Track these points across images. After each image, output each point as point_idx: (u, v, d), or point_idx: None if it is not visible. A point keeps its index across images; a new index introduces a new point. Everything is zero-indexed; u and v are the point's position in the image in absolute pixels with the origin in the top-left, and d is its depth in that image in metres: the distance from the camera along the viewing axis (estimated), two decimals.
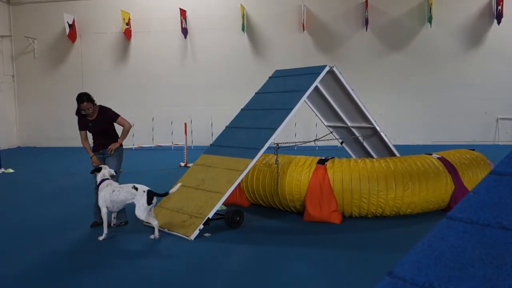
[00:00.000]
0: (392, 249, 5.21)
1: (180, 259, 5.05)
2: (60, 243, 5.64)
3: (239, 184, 6.72)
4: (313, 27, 16.84)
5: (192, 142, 15.97)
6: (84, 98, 6.13)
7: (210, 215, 5.78)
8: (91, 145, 6.48)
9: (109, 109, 6.46)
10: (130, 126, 6.39)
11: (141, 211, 5.54)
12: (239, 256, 5.12)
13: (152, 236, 5.59)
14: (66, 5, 17.91)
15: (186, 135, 12.65)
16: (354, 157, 8.38)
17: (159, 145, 15.35)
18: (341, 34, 16.78)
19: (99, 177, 5.87)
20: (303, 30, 16.71)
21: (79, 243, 5.68)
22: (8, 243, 5.69)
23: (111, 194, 5.68)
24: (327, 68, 6.74)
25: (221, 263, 4.89)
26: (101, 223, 5.82)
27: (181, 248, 5.37)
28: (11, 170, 11.68)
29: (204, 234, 5.75)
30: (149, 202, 5.54)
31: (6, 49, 18.31)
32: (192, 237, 5.61)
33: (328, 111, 8.06)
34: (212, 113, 16.54)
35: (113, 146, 6.24)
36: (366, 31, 16.47)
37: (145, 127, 16.74)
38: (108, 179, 5.86)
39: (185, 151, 12.31)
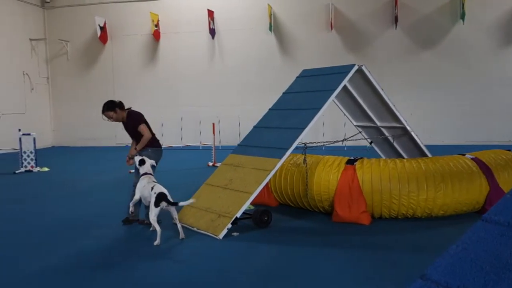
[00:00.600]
0: (423, 252, 5.10)
1: (208, 258, 5.08)
2: (93, 238, 5.75)
3: (267, 184, 6.72)
4: (341, 25, 16.69)
5: (220, 142, 16.06)
6: (104, 107, 6.43)
7: (238, 215, 5.80)
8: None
9: (136, 115, 6.56)
10: (148, 137, 6.33)
11: (150, 212, 5.63)
12: (267, 256, 5.12)
13: (155, 243, 5.42)
14: (98, 8, 18.30)
15: (214, 135, 12.73)
16: (383, 157, 8.26)
17: (187, 145, 15.50)
18: (369, 32, 16.58)
19: (142, 170, 6.06)
20: (331, 29, 16.58)
21: (110, 240, 5.78)
22: (45, 238, 5.85)
23: (142, 188, 5.86)
24: (355, 67, 6.67)
25: (249, 263, 4.89)
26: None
27: (209, 247, 5.40)
28: (46, 169, 12.02)
29: (232, 234, 5.77)
30: (156, 204, 5.51)
31: (41, 52, 18.84)
32: (221, 236, 5.64)
33: (357, 111, 7.96)
34: (240, 113, 16.60)
35: (130, 153, 6.45)
36: (396, 29, 16.22)
37: (174, 127, 16.94)
38: (150, 174, 6.02)
39: (213, 151, 12.39)
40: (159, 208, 5.53)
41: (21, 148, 11.83)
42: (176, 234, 5.79)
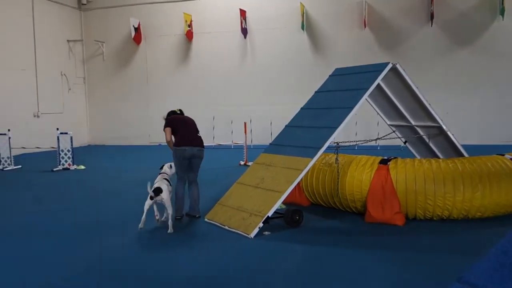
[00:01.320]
0: (459, 254, 4.97)
1: (240, 256, 5.10)
2: (126, 234, 5.87)
3: (298, 183, 6.69)
4: (375, 23, 16.44)
5: (251, 141, 16.09)
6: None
7: (270, 214, 5.79)
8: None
9: (167, 119, 7.05)
10: (166, 140, 6.82)
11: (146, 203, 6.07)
12: (298, 256, 5.09)
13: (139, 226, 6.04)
14: (132, 10, 18.65)
15: (245, 134, 12.76)
16: (418, 157, 8.09)
17: (219, 144, 15.61)
18: (404, 30, 16.26)
19: (162, 171, 6.73)
20: (364, 27, 16.35)
21: (144, 236, 5.88)
22: (83, 233, 6.01)
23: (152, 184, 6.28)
24: (390, 65, 6.55)
25: (280, 262, 4.88)
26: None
27: (241, 245, 5.42)
28: (82, 167, 12.33)
29: (264, 233, 5.77)
30: (151, 196, 6.00)
31: (77, 53, 19.35)
32: (252, 235, 5.65)
33: (391, 110, 7.82)
34: (271, 112, 16.58)
35: None
36: (431, 26, 15.85)
37: (206, 126, 17.08)
38: (164, 173, 6.65)
39: (244, 150, 12.43)
40: (152, 201, 6.02)
41: (59, 147, 12.18)
42: (209, 232, 5.83)
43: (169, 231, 5.95)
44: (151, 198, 5.99)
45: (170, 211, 6.05)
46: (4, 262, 5.03)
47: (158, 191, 6.06)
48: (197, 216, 6.65)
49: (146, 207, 6.03)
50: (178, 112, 7.12)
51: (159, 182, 6.26)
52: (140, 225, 6.05)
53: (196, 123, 6.99)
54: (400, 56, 15.23)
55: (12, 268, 4.86)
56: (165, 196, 6.06)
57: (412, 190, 6.04)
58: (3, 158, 12.35)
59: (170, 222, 6.01)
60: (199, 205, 6.71)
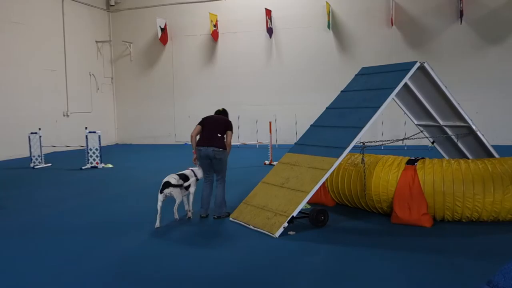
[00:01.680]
0: (489, 257, 4.86)
1: (264, 256, 5.10)
2: (152, 231, 5.95)
3: (324, 183, 6.65)
4: (402, 21, 16.21)
5: (276, 140, 16.08)
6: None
7: (295, 214, 5.78)
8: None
9: None
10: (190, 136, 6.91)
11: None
12: (323, 256, 5.07)
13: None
14: (159, 10, 18.87)
15: (270, 134, 12.76)
16: (446, 157, 7.94)
17: (244, 143, 15.65)
18: (433, 28, 15.97)
19: None
20: (392, 25, 16.14)
21: (169, 233, 5.95)
22: (109, 229, 6.12)
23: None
24: (417, 64, 6.45)
25: (305, 262, 4.87)
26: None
27: (265, 245, 5.43)
28: (110, 165, 12.56)
29: (289, 232, 5.77)
30: (160, 190, 6.30)
31: (106, 53, 19.71)
32: (277, 234, 5.65)
33: (419, 109, 7.70)
34: (297, 112, 16.54)
35: None
36: (461, 24, 15.52)
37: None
38: (191, 168, 6.89)
39: (269, 150, 12.43)
40: (162, 194, 6.31)
41: (87, 145, 12.44)
42: (233, 231, 5.85)
43: (175, 217, 6.50)
44: (160, 192, 6.30)
45: (178, 201, 6.42)
46: (32, 258, 5.17)
47: (166, 185, 6.31)
48: (214, 216, 6.67)
49: (159, 203, 6.29)
50: (221, 111, 7.18)
51: (168, 176, 6.47)
52: (156, 224, 6.22)
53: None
54: (428, 55, 14.98)
55: (41, 263, 4.98)
56: (173, 188, 6.35)
57: (440, 191, 5.93)
58: (34, 156, 12.67)
59: (175, 208, 6.46)
60: (223, 206, 6.71)
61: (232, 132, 6.90)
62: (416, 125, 8.13)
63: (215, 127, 6.78)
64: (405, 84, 6.77)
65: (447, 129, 7.56)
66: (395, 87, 6.36)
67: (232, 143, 6.90)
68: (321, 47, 17.13)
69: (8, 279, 4.53)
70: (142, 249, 5.41)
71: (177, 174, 6.54)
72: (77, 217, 7.06)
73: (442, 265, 4.66)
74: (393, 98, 6.77)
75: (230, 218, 6.55)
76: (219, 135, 6.71)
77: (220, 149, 6.63)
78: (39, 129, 12.94)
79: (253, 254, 5.18)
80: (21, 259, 5.14)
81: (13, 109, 14.97)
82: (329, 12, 16.59)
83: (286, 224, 5.71)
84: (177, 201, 6.42)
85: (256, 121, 16.87)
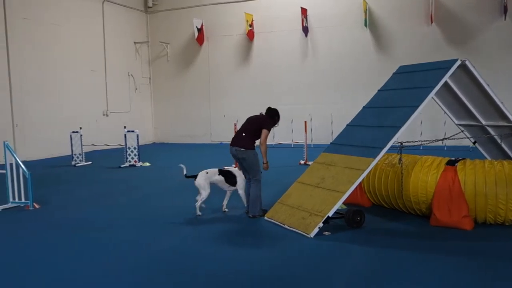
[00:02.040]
0: None
1: (299, 255, 5.08)
2: (185, 230, 6.04)
3: (360, 184, 6.56)
4: (442, 18, 15.79)
5: (311, 140, 15.98)
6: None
7: (330, 214, 5.73)
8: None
9: None
10: None
11: None
12: (358, 257, 5.00)
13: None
14: (195, 11, 19.10)
15: (306, 133, 12.70)
16: (489, 158, 7.68)
17: (279, 143, 15.64)
18: (474, 24, 15.47)
19: None
20: (431, 22, 15.75)
21: (204, 231, 6.00)
22: (146, 227, 6.25)
23: None
24: (458, 62, 6.27)
25: (339, 263, 4.82)
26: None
27: (300, 245, 5.40)
28: (147, 164, 12.81)
29: (324, 233, 5.72)
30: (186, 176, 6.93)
31: (144, 54, 20.11)
32: (312, 234, 5.62)
33: (459, 108, 7.48)
34: (332, 111, 16.40)
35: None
36: (505, 19, 14.97)
37: None
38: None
39: (304, 149, 12.37)
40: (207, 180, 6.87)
41: (126, 144, 12.73)
42: (268, 231, 5.86)
43: (197, 213, 6.81)
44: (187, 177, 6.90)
45: (203, 195, 6.78)
46: (74, 252, 5.33)
47: (195, 176, 6.85)
48: (250, 216, 6.70)
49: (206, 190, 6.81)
50: (267, 109, 7.19)
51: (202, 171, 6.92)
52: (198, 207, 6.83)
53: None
54: (470, 52, 14.54)
55: (82, 257, 5.13)
56: (200, 181, 6.80)
57: (482, 193, 5.75)
58: (75, 154, 13.06)
59: (197, 204, 6.81)
60: (256, 205, 6.70)
61: (266, 130, 6.74)
62: (456, 124, 7.91)
63: (244, 126, 6.88)
64: (445, 83, 6.59)
65: (489, 129, 7.31)
66: (435, 86, 6.20)
67: (267, 143, 6.83)
68: (357, 45, 16.90)
69: (53, 272, 4.69)
70: (179, 247, 5.49)
71: (221, 169, 6.92)
72: (118, 213, 7.24)
73: (483, 269, 4.52)
74: (432, 97, 6.60)
75: (265, 218, 6.56)
76: (243, 134, 6.77)
77: (242, 149, 6.68)
78: (80, 128, 13.34)
79: (287, 253, 5.16)
80: (64, 252, 5.31)
81: (56, 109, 15.51)
82: (366, 9, 16.35)
83: (321, 224, 5.67)
84: (203, 196, 6.75)
85: (291, 121, 16.81)
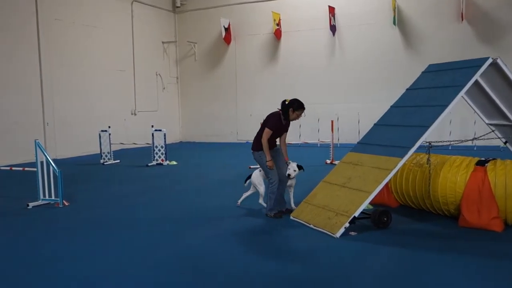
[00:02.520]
0: None
1: (324, 255, 5.06)
2: (212, 229, 6.08)
3: (387, 184, 6.48)
4: (473, 16, 15.43)
5: (338, 139, 15.86)
6: (304, 105, 6.71)
7: (357, 214, 5.68)
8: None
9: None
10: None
11: None
12: (385, 258, 4.94)
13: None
14: (223, 10, 19.20)
15: (332, 133, 12.61)
16: None
17: (305, 142, 15.58)
18: (507, 21, 15.06)
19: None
20: (462, 20, 15.41)
21: (229, 231, 6.04)
22: (172, 225, 6.33)
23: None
24: (489, 60, 6.11)
25: (365, 264, 4.77)
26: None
27: (326, 244, 5.38)
28: (174, 162, 12.96)
29: (350, 233, 5.68)
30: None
31: (171, 53, 20.34)
32: (338, 234, 5.58)
33: (490, 108, 7.29)
34: (359, 111, 16.24)
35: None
36: None
37: (292, 124, 17.08)
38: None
39: (331, 149, 12.29)
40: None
41: (153, 143, 12.90)
42: (294, 230, 5.85)
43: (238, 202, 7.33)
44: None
45: (260, 191, 7.08)
46: (101, 249, 5.44)
47: (249, 176, 7.23)
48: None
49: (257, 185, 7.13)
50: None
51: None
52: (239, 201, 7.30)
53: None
54: (502, 50, 14.17)
55: (109, 254, 5.24)
56: (254, 179, 7.11)
57: None
58: (103, 153, 13.31)
59: (260, 201, 7.11)
60: (269, 206, 6.72)
61: (267, 128, 6.58)
62: (487, 124, 7.72)
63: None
64: (476, 82, 6.44)
65: None
66: (465, 85, 6.07)
67: (292, 142, 6.81)
68: (386, 44, 16.69)
69: (79, 268, 4.80)
70: (203, 245, 5.53)
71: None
72: (145, 211, 7.35)
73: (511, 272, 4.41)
74: (462, 96, 6.46)
75: (291, 217, 6.55)
76: (257, 135, 6.78)
77: (252, 150, 6.80)
78: (109, 127, 13.59)
79: (313, 253, 5.14)
80: (90, 247, 5.43)
81: (85, 108, 15.85)
82: (395, 7, 16.12)
83: (347, 224, 5.63)
84: (260, 192, 7.06)
85: (318, 120, 16.73)
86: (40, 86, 14.42)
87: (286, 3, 18.19)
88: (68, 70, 15.31)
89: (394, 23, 16.24)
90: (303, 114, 6.74)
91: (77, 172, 11.74)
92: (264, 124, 6.71)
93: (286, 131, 6.90)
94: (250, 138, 7.18)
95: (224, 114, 19.66)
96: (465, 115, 12.83)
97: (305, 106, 6.70)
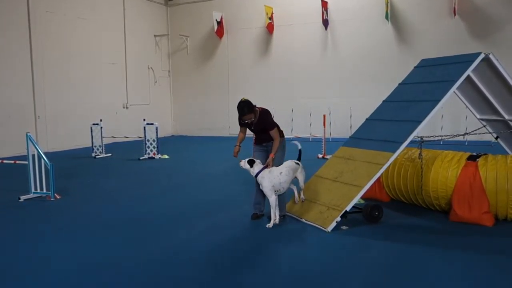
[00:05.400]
0: None
1: (316, 249, 5.07)
2: (203, 223, 6.08)
3: (378, 179, 6.50)
4: (466, 11, 15.47)
5: (330, 134, 15.89)
6: (245, 110, 5.96)
7: (348, 208, 5.70)
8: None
9: (268, 116, 6.18)
10: (279, 142, 6.13)
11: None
12: (376, 252, 4.96)
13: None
14: (215, 4, 19.11)
15: (324, 127, 12.63)
16: (511, 154, 7.53)
17: (297, 136, 15.58)
18: (499, 17, 15.13)
19: (256, 169, 5.94)
20: (454, 15, 15.46)
21: (226, 227, 6.03)
22: (166, 220, 6.31)
23: (279, 176, 5.86)
24: (482, 56, 6.14)
25: (357, 258, 4.79)
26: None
27: (317, 239, 5.39)
28: (166, 156, 12.92)
29: (341, 227, 5.70)
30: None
31: (163, 47, 20.23)
32: (329, 228, 5.60)
33: (482, 103, 7.34)
34: (352, 105, 16.26)
35: (270, 161, 6.02)
36: None
37: (285, 118, 17.11)
38: (266, 167, 5.97)
39: (323, 143, 12.31)
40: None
41: (145, 137, 12.84)
42: (285, 224, 5.86)
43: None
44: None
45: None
46: (94, 244, 5.42)
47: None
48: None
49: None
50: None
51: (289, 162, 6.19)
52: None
53: (276, 114, 6.60)
54: (494, 46, 14.22)
55: (102, 248, 5.22)
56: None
57: (503, 189, 5.64)
58: (95, 146, 13.24)
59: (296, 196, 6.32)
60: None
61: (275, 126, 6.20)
62: (478, 119, 7.77)
63: None
64: (468, 77, 6.47)
65: None
66: (457, 80, 6.09)
67: (285, 136, 6.59)
68: (378, 38, 16.70)
69: (71, 261, 4.78)
70: (197, 239, 5.52)
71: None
72: (137, 205, 7.32)
73: (504, 267, 4.44)
74: (454, 91, 6.49)
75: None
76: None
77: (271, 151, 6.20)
78: (101, 120, 13.50)
79: (304, 247, 5.16)
80: (82, 242, 5.40)
81: (77, 102, 15.73)
82: (388, 2, 16.12)
83: (339, 219, 5.65)
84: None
85: (310, 114, 16.74)
86: (32, 79, 14.28)
87: None
88: (59, 63, 15.16)
89: (386, 18, 16.25)
90: (251, 117, 6.01)
91: (69, 165, 11.66)
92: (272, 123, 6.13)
93: (262, 129, 6.17)
94: None
95: (216, 107, 19.60)
96: (456, 110, 12.88)
97: (240, 110, 6.03)
